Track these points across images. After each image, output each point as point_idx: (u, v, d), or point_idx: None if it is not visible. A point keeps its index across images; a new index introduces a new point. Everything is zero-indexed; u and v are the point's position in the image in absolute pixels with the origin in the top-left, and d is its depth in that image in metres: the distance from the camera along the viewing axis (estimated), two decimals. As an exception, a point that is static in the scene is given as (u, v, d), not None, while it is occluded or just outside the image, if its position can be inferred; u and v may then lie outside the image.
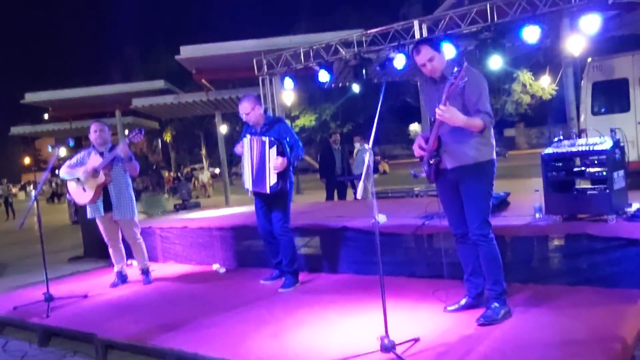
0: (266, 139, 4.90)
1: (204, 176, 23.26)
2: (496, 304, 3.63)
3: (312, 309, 4.31)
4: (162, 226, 7.01)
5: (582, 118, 10.25)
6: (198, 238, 6.60)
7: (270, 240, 5.26)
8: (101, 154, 5.64)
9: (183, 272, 6.31)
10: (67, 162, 5.77)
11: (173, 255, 6.90)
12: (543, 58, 18.44)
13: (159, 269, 6.43)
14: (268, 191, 4.93)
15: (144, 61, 35.70)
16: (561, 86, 19.10)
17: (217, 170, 38.33)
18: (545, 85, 19.35)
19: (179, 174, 26.32)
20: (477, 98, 3.48)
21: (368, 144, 10.61)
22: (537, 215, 4.66)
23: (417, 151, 3.81)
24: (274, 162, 4.85)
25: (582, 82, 10.44)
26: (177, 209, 8.76)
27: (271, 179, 4.90)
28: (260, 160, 4.94)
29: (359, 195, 3.06)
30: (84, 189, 5.58)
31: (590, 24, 6.77)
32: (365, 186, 4.22)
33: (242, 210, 7.99)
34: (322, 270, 5.58)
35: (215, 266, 6.28)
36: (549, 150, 4.43)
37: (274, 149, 4.88)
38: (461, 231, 3.83)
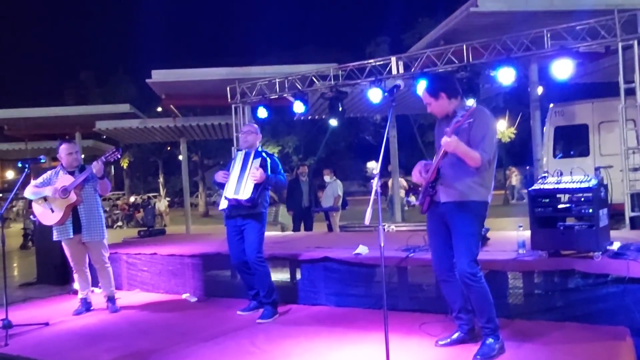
0: (252, 151, 5.02)
1: (161, 204, 22.63)
2: (491, 340, 3.57)
3: (297, 341, 4.14)
4: (129, 252, 6.69)
5: (543, 161, 10.58)
6: (168, 265, 6.31)
7: (245, 270, 5.08)
8: (71, 173, 5.37)
9: (151, 301, 5.99)
10: (33, 182, 5.47)
11: (139, 283, 6.56)
12: (503, 103, 19.11)
13: (124, 297, 6.10)
14: (240, 197, 4.83)
15: (101, 86, 35.03)
16: (521, 130, 19.82)
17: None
18: (503, 128, 20.05)
19: (133, 202, 25.55)
20: (481, 137, 3.48)
21: (334, 176, 10.82)
22: (521, 251, 4.67)
23: (415, 176, 3.76)
24: (254, 169, 4.84)
25: (545, 126, 10.83)
26: (142, 235, 8.42)
27: (247, 187, 4.83)
28: (242, 170, 4.93)
29: (367, 221, 2.98)
30: (51, 209, 5.27)
31: (563, 69, 7.03)
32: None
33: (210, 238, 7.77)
34: (299, 302, 5.40)
35: (186, 295, 6.01)
36: (536, 186, 4.49)
37: (258, 160, 4.92)
38: (444, 268, 3.77)
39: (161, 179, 32.77)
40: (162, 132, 13.45)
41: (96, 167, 5.18)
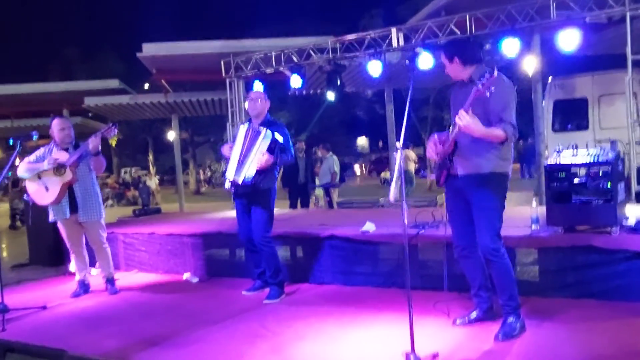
0: (263, 130, 4.63)
1: (152, 183, 22.31)
2: (512, 318, 3.46)
3: (308, 322, 4.01)
4: (126, 232, 6.50)
5: (545, 134, 10.45)
6: (167, 245, 6.14)
7: (252, 248, 4.91)
8: (64, 150, 5.14)
9: (151, 282, 5.83)
10: (26, 159, 5.23)
11: (137, 264, 6.39)
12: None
13: (122, 278, 5.92)
14: (240, 181, 4.63)
15: (86, 62, 34.17)
16: (520, 103, 19.58)
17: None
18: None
19: (123, 180, 25.25)
20: (502, 107, 3.31)
21: (329, 151, 10.62)
22: (534, 227, 4.55)
23: (430, 150, 3.60)
24: (260, 154, 4.57)
25: (544, 99, 10.67)
26: (137, 214, 8.20)
27: (250, 170, 4.60)
28: (249, 149, 4.64)
29: (392, 198, 2.81)
30: (46, 188, 5.05)
31: (569, 40, 6.84)
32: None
33: (207, 217, 7.60)
34: (305, 281, 5.26)
35: (186, 275, 5.85)
36: (551, 160, 4.34)
37: (267, 141, 4.60)
38: (465, 243, 3.64)
39: (151, 157, 32.35)
40: (153, 109, 13.11)
41: (93, 142, 4.95)
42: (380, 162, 39.51)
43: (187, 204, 16.54)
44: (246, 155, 4.64)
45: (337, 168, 10.57)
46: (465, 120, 3.21)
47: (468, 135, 3.39)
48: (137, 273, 6.29)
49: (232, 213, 8.14)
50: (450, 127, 3.51)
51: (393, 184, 2.81)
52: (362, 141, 51.72)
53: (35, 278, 6.52)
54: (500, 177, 3.44)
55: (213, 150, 35.09)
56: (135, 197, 22.25)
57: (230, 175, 4.72)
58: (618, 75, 10.46)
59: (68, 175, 4.98)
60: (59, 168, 4.98)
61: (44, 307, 4.91)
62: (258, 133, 4.64)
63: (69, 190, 5.08)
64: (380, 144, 49.22)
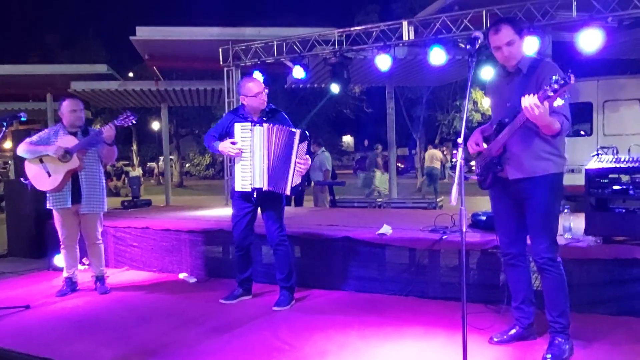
0: (297, 131, 4.16)
1: (135, 174, 21.66)
2: (560, 339, 3.12)
3: (328, 334, 3.62)
4: (116, 225, 6.02)
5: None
6: (162, 241, 5.68)
7: (246, 252, 4.48)
8: (73, 134, 4.71)
9: (144, 281, 5.38)
10: (28, 139, 4.78)
11: (128, 260, 5.92)
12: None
13: (112, 276, 5.47)
14: (289, 192, 4.21)
15: (67, 49, 33.11)
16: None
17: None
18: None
19: (105, 170, 24.52)
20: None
21: (321, 147, 10.19)
22: (567, 236, 4.24)
23: (472, 147, 3.24)
24: (301, 159, 4.15)
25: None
26: (126, 206, 7.72)
27: (295, 179, 4.17)
28: (284, 155, 4.14)
29: (453, 202, 2.44)
30: (48, 173, 4.61)
31: (591, 40, 6.54)
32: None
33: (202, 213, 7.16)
34: (315, 286, 4.85)
35: (183, 275, 5.42)
36: (593, 165, 4.02)
37: (305, 144, 4.18)
38: (514, 251, 3.32)
39: (135, 147, 31.58)
40: (142, 97, 12.55)
41: (108, 131, 4.57)
42: (364, 161, 39.09)
43: (172, 197, 16.03)
44: (283, 164, 4.14)
45: (329, 165, 10.09)
46: (537, 111, 2.75)
47: (517, 137, 3.04)
48: (128, 270, 5.83)
49: (226, 209, 7.74)
50: (495, 126, 3.14)
51: (455, 186, 2.43)
52: (347, 139, 51.39)
53: (15, 271, 6.02)
54: (558, 178, 3.11)
55: (196, 143, 34.43)
56: (118, 188, 21.63)
57: (257, 183, 4.15)
58: (624, 81, 10.31)
59: (74, 162, 4.58)
60: (64, 154, 4.55)
61: (27, 307, 4.44)
62: (291, 135, 4.16)
63: (73, 178, 4.65)
64: (366, 142, 48.91)
